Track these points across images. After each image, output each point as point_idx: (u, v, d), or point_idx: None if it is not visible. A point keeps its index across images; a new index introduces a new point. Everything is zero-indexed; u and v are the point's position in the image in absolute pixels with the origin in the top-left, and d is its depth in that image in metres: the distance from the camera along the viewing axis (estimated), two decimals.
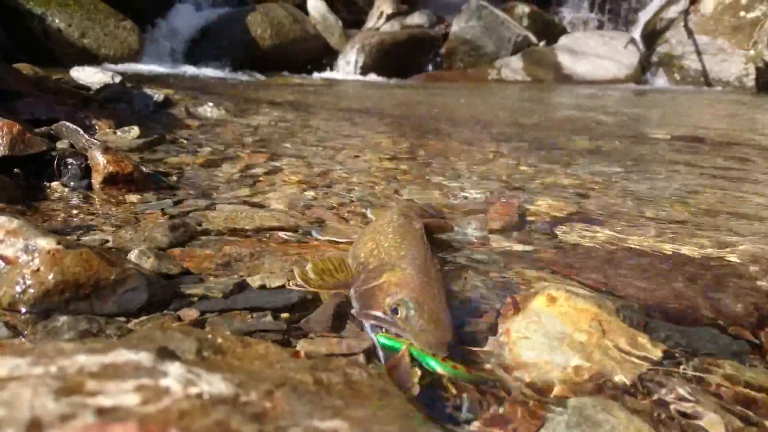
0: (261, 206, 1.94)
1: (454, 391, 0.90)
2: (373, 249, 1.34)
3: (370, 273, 1.22)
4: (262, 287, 1.26)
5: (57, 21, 7.50)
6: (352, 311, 1.14)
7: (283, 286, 1.26)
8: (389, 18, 11.19)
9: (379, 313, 1.06)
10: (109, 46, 7.76)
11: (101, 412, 0.57)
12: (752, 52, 9.21)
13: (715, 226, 1.92)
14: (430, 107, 5.96)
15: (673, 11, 10.46)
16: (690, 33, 10.01)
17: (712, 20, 9.98)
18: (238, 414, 0.61)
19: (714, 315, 1.21)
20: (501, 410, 0.87)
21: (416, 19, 11.16)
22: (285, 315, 1.14)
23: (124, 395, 0.61)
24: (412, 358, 0.96)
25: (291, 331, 1.08)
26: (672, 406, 0.89)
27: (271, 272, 1.33)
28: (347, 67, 9.88)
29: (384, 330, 1.03)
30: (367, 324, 1.07)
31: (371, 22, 11.30)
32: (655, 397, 0.91)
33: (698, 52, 9.89)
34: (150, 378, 0.65)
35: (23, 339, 0.99)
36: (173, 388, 0.64)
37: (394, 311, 1.04)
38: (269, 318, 1.11)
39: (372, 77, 9.62)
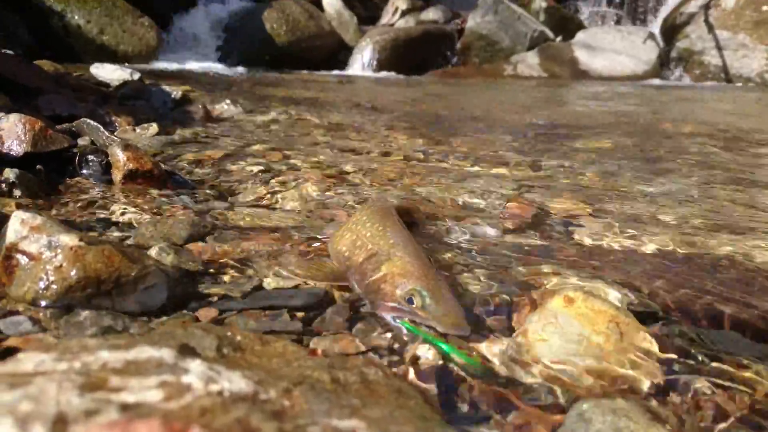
0: (277, 204, 1.95)
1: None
2: (354, 240, 1.33)
3: (365, 265, 1.22)
4: (279, 287, 1.27)
5: (76, 17, 7.60)
6: (363, 309, 1.15)
7: (297, 286, 1.28)
8: (404, 14, 11.14)
9: (396, 305, 1.08)
10: (128, 43, 7.84)
11: (125, 408, 0.58)
12: None
13: (736, 227, 1.89)
14: (445, 104, 5.94)
15: (693, 6, 10.26)
16: (710, 28, 9.81)
17: (734, 15, 9.78)
18: (258, 412, 0.62)
19: (735, 317, 1.20)
20: (517, 412, 0.86)
21: (431, 14, 11.10)
22: (301, 314, 1.14)
23: (147, 391, 0.62)
24: (429, 344, 0.97)
25: (307, 331, 1.08)
26: (691, 410, 0.88)
27: (287, 271, 1.34)
28: (362, 64, 9.86)
29: (407, 319, 1.05)
30: (388, 317, 1.09)
31: (386, 18, 11.26)
32: (674, 400, 0.91)
33: (719, 48, 9.70)
34: (172, 375, 0.66)
35: (47, 334, 1.01)
36: (195, 385, 0.65)
37: (410, 302, 1.06)
38: (286, 317, 1.12)
39: (386, 73, 9.59)
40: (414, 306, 1.05)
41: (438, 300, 1.06)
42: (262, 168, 2.48)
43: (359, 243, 1.30)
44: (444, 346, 0.97)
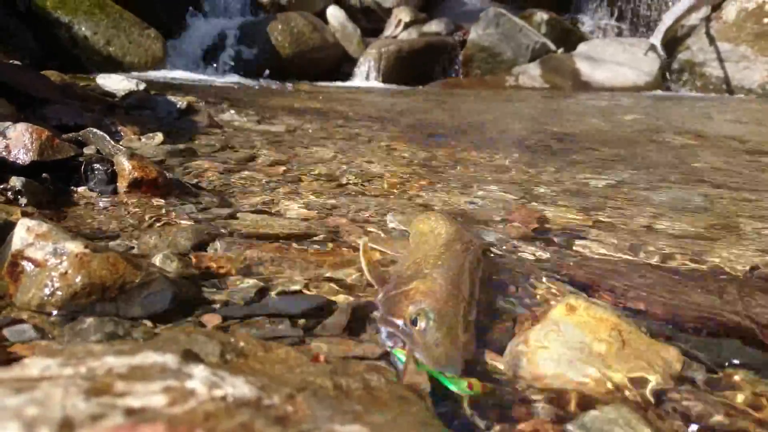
0: (281, 213, 1.96)
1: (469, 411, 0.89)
2: (419, 257, 1.33)
3: (403, 279, 1.21)
4: (282, 293, 1.28)
5: (83, 29, 7.68)
6: (372, 314, 1.15)
7: (300, 291, 1.28)
8: (407, 26, 11.23)
9: (399, 322, 1.05)
10: (134, 54, 7.92)
11: (130, 412, 0.59)
12: None
13: (738, 238, 1.89)
14: (448, 114, 5.97)
15: (694, 18, 10.32)
16: (712, 40, 9.86)
17: (735, 27, 9.83)
18: (262, 417, 0.62)
19: (737, 325, 1.20)
20: (517, 420, 0.86)
21: (434, 26, 11.18)
22: (302, 321, 1.15)
23: (151, 396, 0.63)
24: (424, 371, 0.94)
25: (309, 337, 1.09)
26: (694, 421, 0.88)
27: (291, 279, 1.35)
28: (365, 75, 9.93)
29: (399, 344, 1.01)
30: (384, 330, 1.07)
31: (389, 30, 11.35)
32: (677, 410, 0.91)
33: (720, 60, 9.74)
34: (176, 380, 0.67)
35: (52, 342, 1.01)
36: (199, 390, 0.65)
37: (414, 322, 1.02)
38: (287, 323, 1.13)
39: (389, 85, 9.65)
40: (416, 327, 1.01)
41: (440, 328, 0.99)
42: (266, 176, 2.50)
43: (419, 259, 1.31)
44: (442, 379, 0.93)
